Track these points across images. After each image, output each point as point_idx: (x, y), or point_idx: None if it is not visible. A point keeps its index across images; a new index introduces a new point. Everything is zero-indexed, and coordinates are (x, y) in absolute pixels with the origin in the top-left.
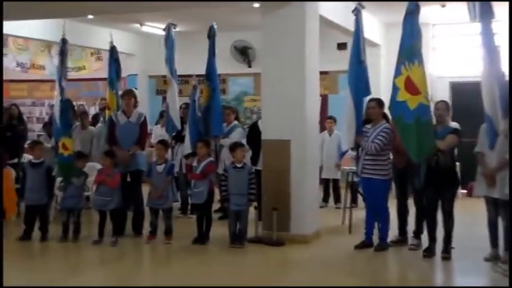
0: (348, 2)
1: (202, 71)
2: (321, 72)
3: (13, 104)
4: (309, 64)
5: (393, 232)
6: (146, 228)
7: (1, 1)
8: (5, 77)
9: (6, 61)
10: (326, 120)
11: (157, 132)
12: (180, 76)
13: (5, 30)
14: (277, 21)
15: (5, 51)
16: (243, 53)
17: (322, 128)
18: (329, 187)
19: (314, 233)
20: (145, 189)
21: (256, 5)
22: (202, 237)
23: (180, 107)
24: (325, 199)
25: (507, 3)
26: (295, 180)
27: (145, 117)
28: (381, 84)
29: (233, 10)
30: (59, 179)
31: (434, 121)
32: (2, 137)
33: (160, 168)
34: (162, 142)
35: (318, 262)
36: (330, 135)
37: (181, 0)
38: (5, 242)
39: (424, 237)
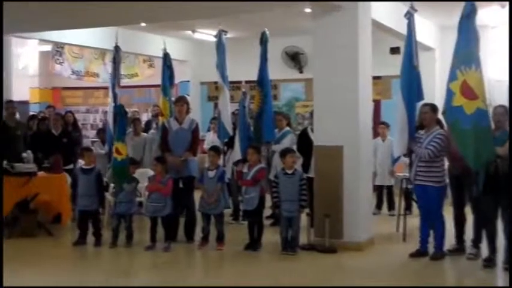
0: (401, 6)
1: (253, 76)
2: (374, 77)
3: (68, 111)
4: (362, 69)
5: (450, 241)
6: (198, 234)
7: (1, 1)
8: (60, 85)
9: (61, 69)
10: (379, 126)
11: (210, 139)
12: (231, 82)
13: (61, 39)
14: (329, 25)
15: (60, 59)
16: (295, 58)
17: (375, 134)
18: (382, 194)
19: (367, 241)
20: (197, 195)
21: (308, 9)
22: (254, 244)
23: (233, 113)
24: (379, 206)
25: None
26: (348, 187)
27: (197, 124)
28: (436, 89)
29: (284, 15)
30: (112, 185)
31: (492, 126)
32: (58, 143)
33: (211, 173)
34: (214, 148)
35: (371, 270)
36: (383, 141)
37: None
38: (60, 246)
39: (483, 246)
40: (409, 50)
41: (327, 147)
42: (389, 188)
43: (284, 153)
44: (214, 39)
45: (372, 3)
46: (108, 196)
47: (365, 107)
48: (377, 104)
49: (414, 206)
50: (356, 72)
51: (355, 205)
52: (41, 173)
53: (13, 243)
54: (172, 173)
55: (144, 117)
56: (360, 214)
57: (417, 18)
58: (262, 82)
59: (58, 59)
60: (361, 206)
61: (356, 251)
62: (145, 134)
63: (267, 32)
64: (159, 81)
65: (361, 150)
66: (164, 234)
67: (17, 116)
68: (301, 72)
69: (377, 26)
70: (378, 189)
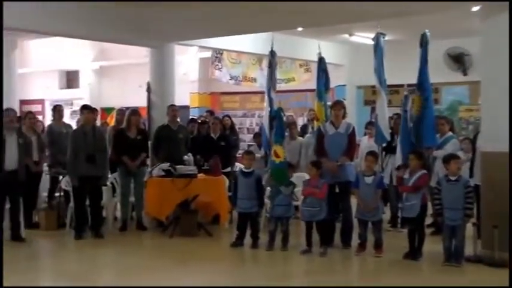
0: None
1: (412, 80)
2: None
3: (226, 115)
4: None
5: None
6: (355, 239)
7: (1, 1)
8: (218, 90)
9: (220, 75)
10: None
11: (365, 143)
12: (389, 86)
13: (220, 45)
14: (501, 24)
15: (219, 65)
16: (458, 60)
17: None
18: None
19: None
20: (354, 200)
21: (475, 8)
22: (414, 253)
23: (391, 118)
24: None
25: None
26: None
27: (353, 128)
28: None
29: (447, 16)
30: (269, 188)
31: None
32: (216, 147)
33: (368, 179)
34: (372, 153)
35: None
36: None
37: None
38: (218, 246)
39: None
40: None
41: (496, 154)
42: None
43: (448, 159)
44: (372, 42)
45: None
46: (266, 199)
47: None
48: None
49: None
50: None
51: None
52: (200, 175)
53: (174, 242)
54: (328, 178)
55: (300, 122)
56: None
57: None
58: (422, 86)
59: (217, 65)
60: None
61: None
62: (301, 138)
63: (428, 34)
64: (315, 86)
65: None
66: (320, 239)
67: (179, 119)
68: (465, 74)
69: None
70: None
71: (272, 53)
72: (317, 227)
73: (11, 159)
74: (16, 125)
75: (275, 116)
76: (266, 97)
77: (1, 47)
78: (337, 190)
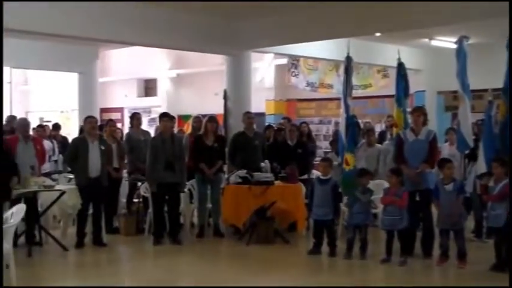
0: None
1: (497, 84)
2: None
3: (303, 122)
4: None
5: None
6: (436, 249)
7: (1, 1)
8: (294, 97)
9: (297, 81)
10: None
11: (446, 151)
12: (473, 91)
13: (296, 52)
14: None
15: (296, 71)
16: None
17: None
18: None
19: None
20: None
21: None
22: (501, 265)
23: (475, 124)
24: None
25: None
26: None
27: (435, 135)
28: None
29: None
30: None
31: None
32: (293, 154)
33: (449, 187)
34: (448, 161)
35: None
36: None
37: None
38: (295, 254)
39: None
40: None
41: None
42: None
43: None
44: (453, 46)
45: None
46: (343, 207)
47: None
48: None
49: None
50: None
51: None
52: (277, 182)
53: (251, 250)
54: (408, 186)
55: (377, 128)
56: None
57: None
58: (508, 90)
59: (294, 72)
60: None
61: None
62: (379, 145)
63: None
64: (393, 92)
65: None
66: (400, 248)
67: (254, 126)
68: None
69: None
70: None
71: (348, 59)
72: (398, 236)
73: (95, 166)
74: (98, 132)
75: (349, 123)
76: (342, 104)
77: (1, 48)
78: (417, 198)
